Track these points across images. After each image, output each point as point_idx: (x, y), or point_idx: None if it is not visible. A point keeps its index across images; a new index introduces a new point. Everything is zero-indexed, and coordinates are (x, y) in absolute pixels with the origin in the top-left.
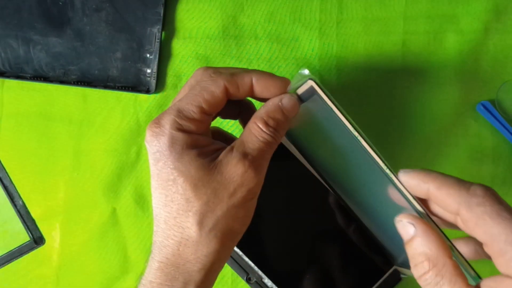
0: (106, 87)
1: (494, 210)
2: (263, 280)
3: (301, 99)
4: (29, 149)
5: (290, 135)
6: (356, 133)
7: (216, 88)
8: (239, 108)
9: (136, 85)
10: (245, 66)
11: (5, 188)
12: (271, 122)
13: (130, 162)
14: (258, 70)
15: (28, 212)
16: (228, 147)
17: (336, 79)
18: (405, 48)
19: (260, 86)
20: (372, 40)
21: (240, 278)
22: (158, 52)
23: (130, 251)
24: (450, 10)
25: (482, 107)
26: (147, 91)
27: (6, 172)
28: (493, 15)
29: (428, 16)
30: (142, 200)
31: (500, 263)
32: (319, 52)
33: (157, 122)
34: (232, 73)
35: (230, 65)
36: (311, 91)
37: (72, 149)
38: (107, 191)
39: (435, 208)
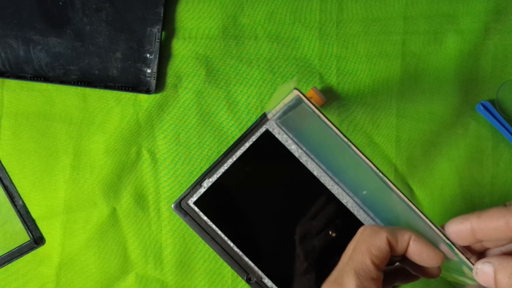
0: (106, 87)
1: None
2: (263, 280)
3: (291, 107)
4: (29, 149)
5: (296, 134)
6: (345, 139)
7: (380, 241)
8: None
9: (136, 85)
10: (245, 67)
11: (5, 188)
12: None
13: (130, 162)
14: (415, 232)
15: (28, 212)
16: None
17: (336, 79)
18: (405, 48)
19: (416, 248)
20: (372, 40)
21: (240, 278)
22: (158, 52)
23: (130, 250)
24: (450, 10)
25: (482, 107)
26: (147, 91)
27: (6, 172)
28: (493, 15)
29: (428, 16)
30: (142, 200)
31: None
32: (319, 52)
33: (339, 285)
34: (392, 228)
35: (230, 65)
36: (298, 100)
37: (72, 149)
38: (107, 191)
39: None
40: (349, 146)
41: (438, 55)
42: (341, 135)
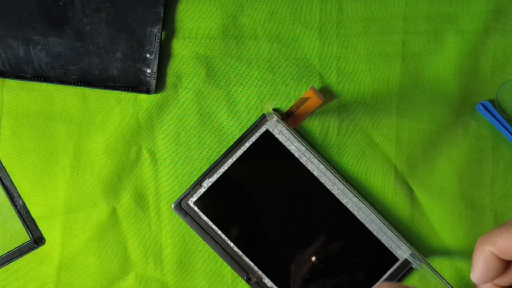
0: (106, 87)
1: None
2: (263, 280)
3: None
4: (29, 149)
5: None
6: (324, 162)
7: None
8: None
9: (136, 85)
10: (245, 67)
11: (5, 188)
12: None
13: (130, 162)
14: None
15: (28, 212)
16: None
17: (336, 79)
18: (405, 48)
19: None
20: (372, 40)
21: (240, 278)
22: (158, 52)
23: (130, 251)
24: (450, 10)
25: (482, 107)
26: (147, 91)
27: (6, 172)
28: (493, 15)
29: (428, 16)
30: (142, 200)
31: None
32: (319, 52)
33: None
34: None
35: (230, 65)
36: (278, 120)
37: (72, 149)
38: (107, 191)
39: None
40: (327, 167)
41: (438, 55)
42: (319, 157)
